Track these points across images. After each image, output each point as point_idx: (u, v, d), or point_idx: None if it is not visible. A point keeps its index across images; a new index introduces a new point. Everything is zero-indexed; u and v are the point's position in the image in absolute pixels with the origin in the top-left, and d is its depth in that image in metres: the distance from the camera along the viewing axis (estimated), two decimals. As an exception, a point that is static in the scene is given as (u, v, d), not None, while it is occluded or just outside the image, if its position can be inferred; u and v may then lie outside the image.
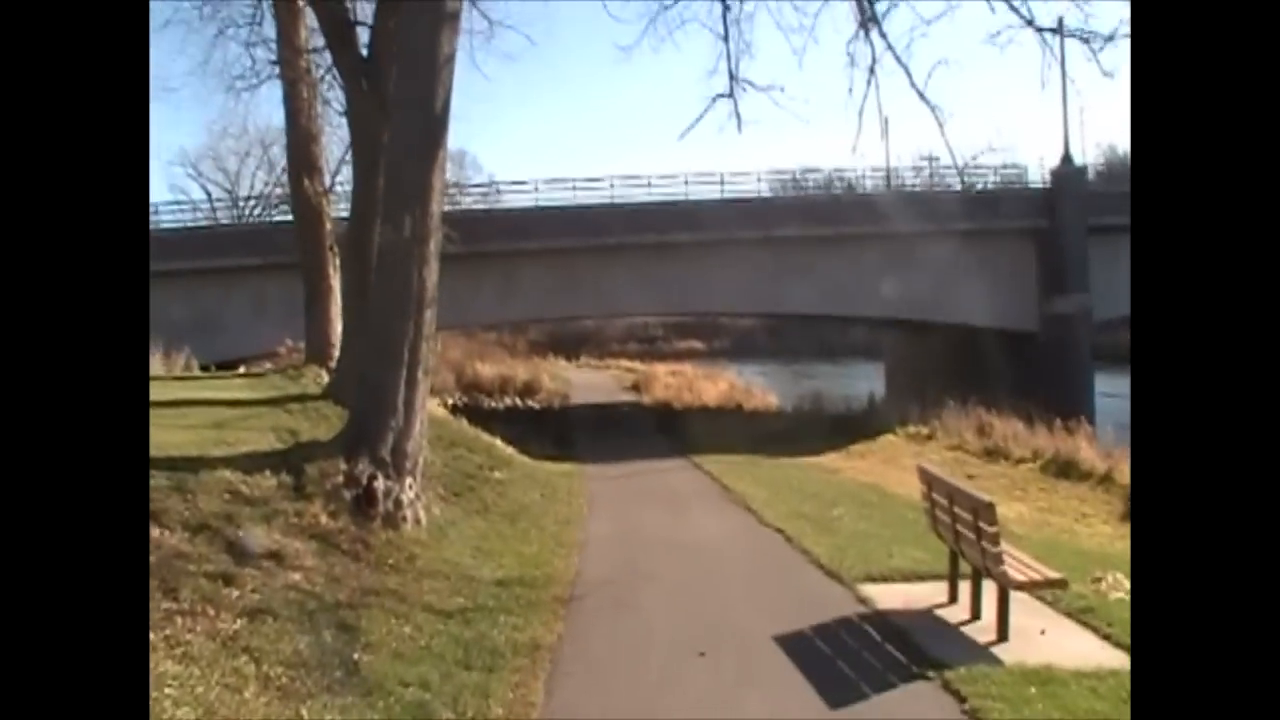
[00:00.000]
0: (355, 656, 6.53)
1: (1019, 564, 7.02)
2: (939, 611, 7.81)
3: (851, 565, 9.43)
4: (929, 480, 8.21)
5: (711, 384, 41.39)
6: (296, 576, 7.76)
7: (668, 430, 28.05)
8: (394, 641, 6.99)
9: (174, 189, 67.75)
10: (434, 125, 10.28)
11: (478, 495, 12.77)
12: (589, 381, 47.72)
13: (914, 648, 6.84)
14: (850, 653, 6.84)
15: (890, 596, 8.32)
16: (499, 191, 31.19)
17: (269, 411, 12.88)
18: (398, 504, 9.76)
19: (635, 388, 43.22)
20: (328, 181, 18.86)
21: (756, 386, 42.28)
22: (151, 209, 30.74)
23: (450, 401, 38.22)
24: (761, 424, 28.62)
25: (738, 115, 13.48)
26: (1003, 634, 6.90)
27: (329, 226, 17.91)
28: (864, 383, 38.15)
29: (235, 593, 6.78)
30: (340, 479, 9.58)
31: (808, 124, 38.22)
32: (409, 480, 10.05)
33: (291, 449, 10.14)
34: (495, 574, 9.47)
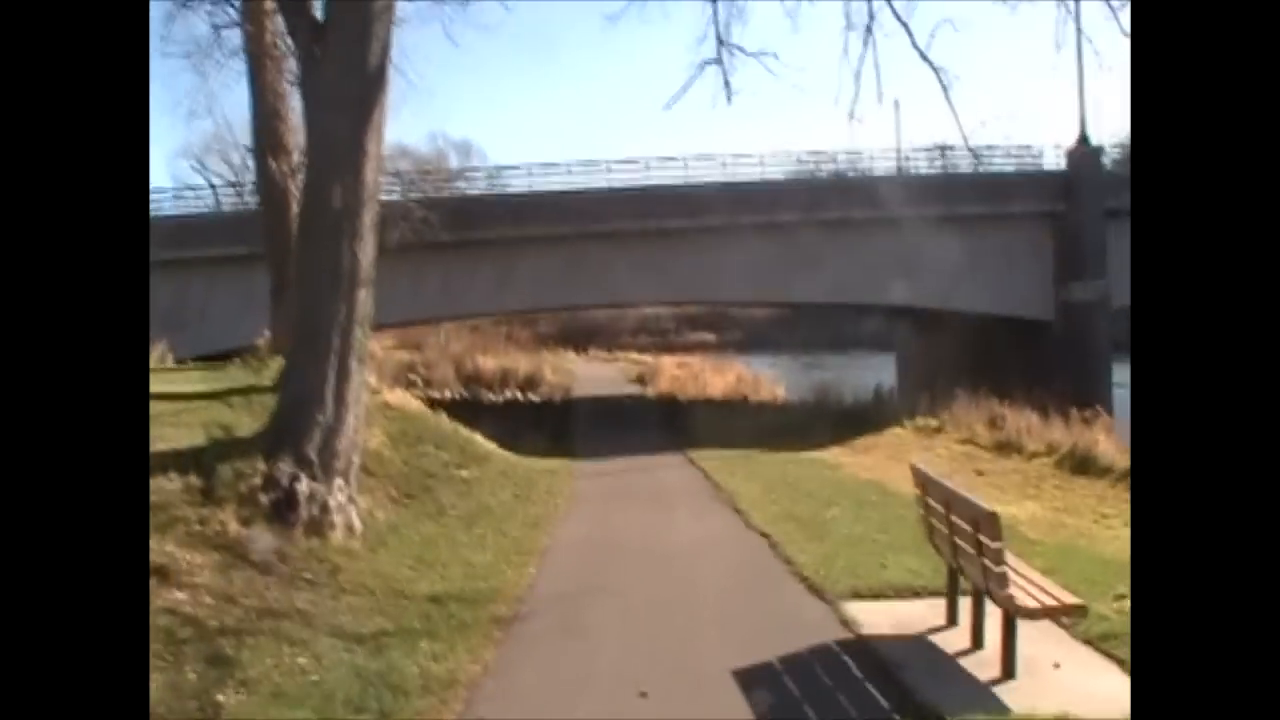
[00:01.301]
0: (220, 698, 5.41)
1: (1028, 585, 5.80)
2: (935, 638, 6.61)
3: (838, 578, 8.23)
4: (923, 482, 7.01)
5: (719, 376, 40.17)
6: (180, 596, 6.66)
7: (669, 424, 26.92)
8: (279, 677, 5.86)
9: (177, 181, 66.70)
10: (369, 82, 9.14)
11: (435, 497, 11.62)
12: (595, 374, 46.58)
13: (899, 688, 5.65)
14: (821, 695, 5.66)
15: (879, 617, 7.13)
16: (491, 176, 29.92)
17: (210, 405, 11.78)
18: (324, 509, 8.64)
19: (641, 380, 42.15)
20: (295, 161, 17.69)
21: (765, 378, 41.07)
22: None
23: (448, 395, 37.58)
24: (766, 417, 27.34)
25: (727, 84, 12.42)
26: (1008, 669, 5.71)
27: (295, 210, 16.80)
28: (875, 375, 36.81)
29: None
30: (258, 481, 8.46)
31: (804, 93, 36.92)
32: (339, 482, 8.92)
33: (208, 447, 9.00)
34: (432, 588, 8.33)
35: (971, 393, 22.04)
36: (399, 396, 17.16)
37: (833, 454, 19.85)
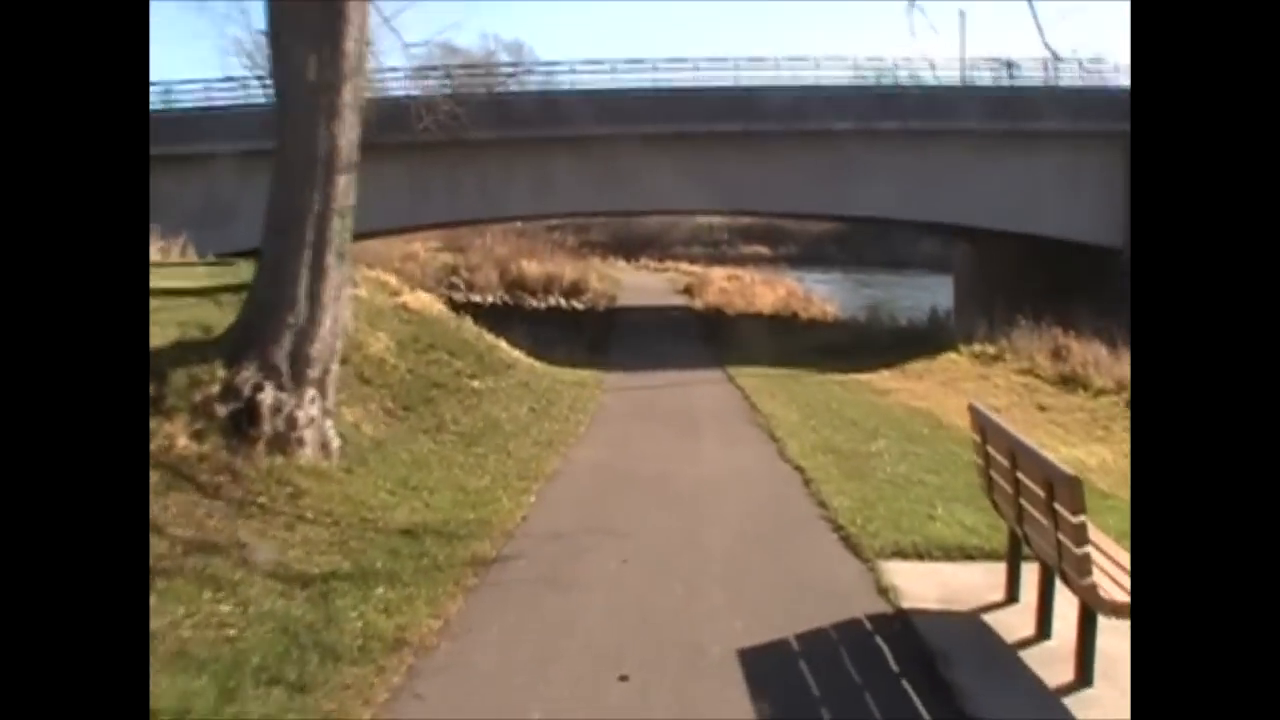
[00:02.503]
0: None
1: (1114, 570, 4.54)
2: (990, 618, 5.42)
3: (878, 530, 7.04)
4: (982, 426, 5.75)
5: (769, 290, 38.93)
6: (95, 524, 5.62)
7: (712, 338, 25.82)
8: (187, 630, 4.84)
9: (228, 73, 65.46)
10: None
11: (437, 409, 10.57)
12: (642, 284, 45.46)
13: (944, 689, 4.48)
14: (844, 693, 4.51)
15: (924, 585, 5.95)
16: (531, 73, 28.13)
17: (198, 303, 10.70)
18: (292, 423, 7.59)
19: (688, 291, 41.07)
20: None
21: (817, 295, 39.68)
22: (179, 86, 28.73)
23: (489, 300, 36.76)
24: (815, 335, 26.04)
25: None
26: (1084, 674, 4.51)
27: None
28: (931, 296, 35.21)
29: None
30: (215, 389, 7.42)
31: None
32: (311, 393, 7.85)
33: (166, 350, 7.93)
34: (410, 518, 7.30)
35: (1033, 320, 20.50)
36: (420, 299, 16.08)
37: (882, 378, 18.57)
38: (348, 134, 8.06)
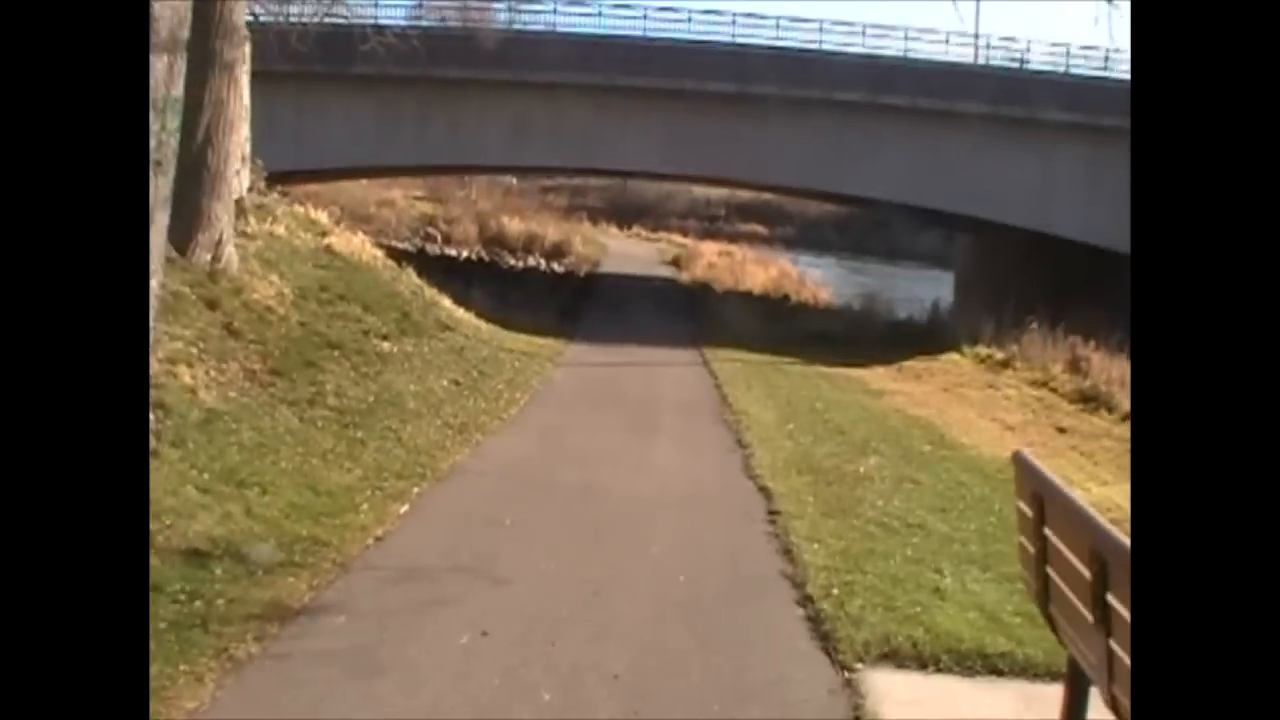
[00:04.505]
0: None
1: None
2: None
3: (863, 610, 4.89)
4: (1038, 492, 3.54)
5: (761, 269, 36.91)
6: None
7: (694, 313, 23.81)
8: None
9: None
10: None
11: (318, 376, 8.37)
12: (629, 251, 43.48)
13: None
14: None
15: (927, 716, 3.86)
16: (511, 10, 25.37)
17: None
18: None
19: (676, 263, 39.25)
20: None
21: (811, 278, 37.65)
22: None
23: (464, 254, 34.66)
24: (805, 320, 23.92)
25: None
26: None
27: None
28: (931, 289, 33.07)
29: None
30: None
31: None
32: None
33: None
34: (213, 529, 5.23)
35: (1047, 326, 18.34)
36: (351, 242, 13.92)
37: (876, 375, 16.47)
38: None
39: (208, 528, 5.25)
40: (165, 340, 7.41)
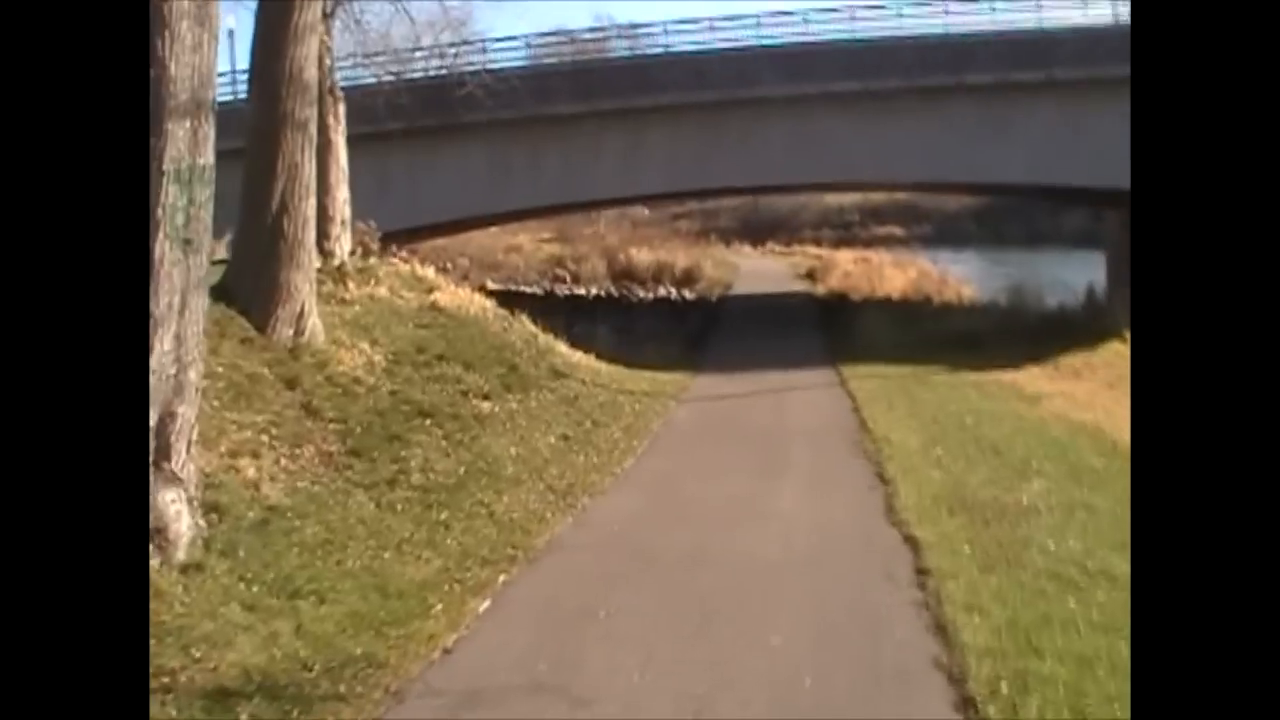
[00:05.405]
0: None
1: None
2: None
3: (1042, 705, 3.80)
4: None
5: (899, 272, 35.43)
6: None
7: (829, 327, 22.51)
8: None
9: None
10: None
11: (401, 452, 7.62)
12: (762, 269, 42.39)
13: None
14: None
15: None
16: (616, 37, 24.62)
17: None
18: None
19: (810, 276, 38.03)
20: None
21: (953, 276, 35.77)
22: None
23: (593, 291, 34.27)
24: (949, 321, 22.38)
25: None
26: None
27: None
28: (1081, 272, 30.70)
29: None
30: None
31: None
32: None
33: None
34: (251, 658, 4.51)
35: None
36: (459, 296, 13.31)
37: (1030, 377, 14.98)
38: (186, 55, 5.22)
39: (244, 656, 4.50)
40: (232, 430, 6.80)
